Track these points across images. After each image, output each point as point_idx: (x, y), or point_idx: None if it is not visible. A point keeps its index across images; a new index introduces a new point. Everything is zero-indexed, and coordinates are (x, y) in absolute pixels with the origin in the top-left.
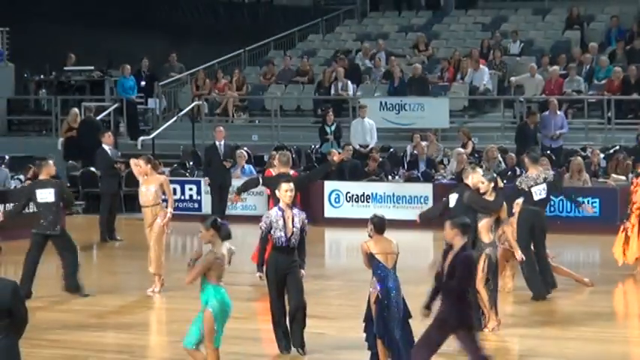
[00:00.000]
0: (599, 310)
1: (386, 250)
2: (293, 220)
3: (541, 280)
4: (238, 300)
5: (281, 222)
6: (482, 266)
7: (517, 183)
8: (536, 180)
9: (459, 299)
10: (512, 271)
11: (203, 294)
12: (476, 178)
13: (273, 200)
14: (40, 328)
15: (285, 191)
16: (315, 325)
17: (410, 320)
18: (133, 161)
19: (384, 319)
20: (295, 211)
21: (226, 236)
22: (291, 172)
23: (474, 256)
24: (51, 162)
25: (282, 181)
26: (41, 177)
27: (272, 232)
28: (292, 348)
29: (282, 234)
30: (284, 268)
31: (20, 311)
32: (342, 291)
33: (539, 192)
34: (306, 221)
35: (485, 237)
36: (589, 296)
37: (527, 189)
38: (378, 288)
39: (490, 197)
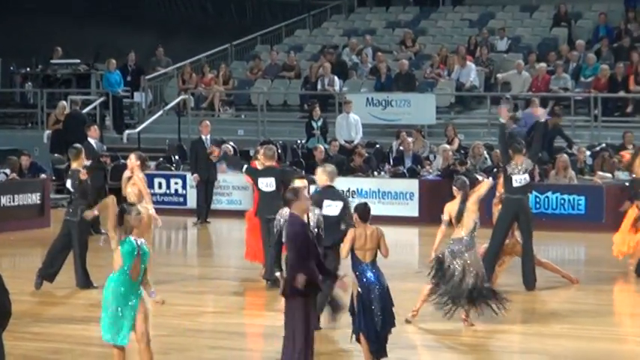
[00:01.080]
0: (584, 307)
1: (365, 246)
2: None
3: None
4: (224, 294)
5: None
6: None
7: (506, 167)
8: (519, 169)
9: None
10: (504, 266)
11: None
12: None
13: (258, 191)
14: (23, 321)
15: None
16: None
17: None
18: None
19: (366, 314)
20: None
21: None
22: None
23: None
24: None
25: (295, 176)
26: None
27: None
28: None
29: None
30: None
31: (4, 304)
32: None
33: (519, 180)
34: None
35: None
36: (573, 293)
37: (509, 175)
38: (358, 284)
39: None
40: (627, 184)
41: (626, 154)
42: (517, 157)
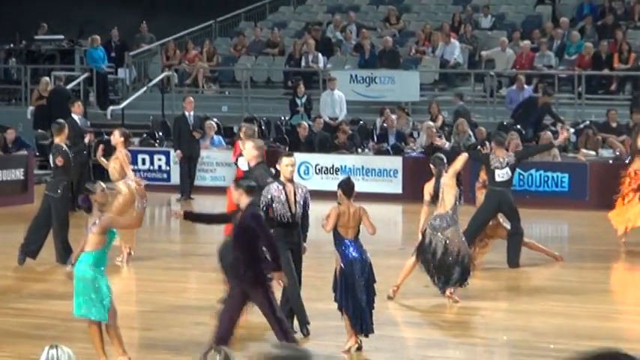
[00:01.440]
0: (567, 285)
1: (348, 223)
2: (295, 195)
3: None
4: (208, 271)
5: (283, 197)
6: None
7: (490, 157)
8: (501, 163)
9: (255, 258)
10: (487, 248)
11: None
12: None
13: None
14: (7, 296)
15: (286, 165)
16: None
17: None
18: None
19: (348, 290)
20: (297, 184)
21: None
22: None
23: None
24: None
25: (283, 156)
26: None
27: (274, 207)
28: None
29: (286, 209)
30: (290, 243)
31: None
32: (310, 262)
33: (501, 175)
34: (308, 195)
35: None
36: (557, 270)
37: (492, 168)
38: (341, 261)
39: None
40: None
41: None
42: (499, 151)
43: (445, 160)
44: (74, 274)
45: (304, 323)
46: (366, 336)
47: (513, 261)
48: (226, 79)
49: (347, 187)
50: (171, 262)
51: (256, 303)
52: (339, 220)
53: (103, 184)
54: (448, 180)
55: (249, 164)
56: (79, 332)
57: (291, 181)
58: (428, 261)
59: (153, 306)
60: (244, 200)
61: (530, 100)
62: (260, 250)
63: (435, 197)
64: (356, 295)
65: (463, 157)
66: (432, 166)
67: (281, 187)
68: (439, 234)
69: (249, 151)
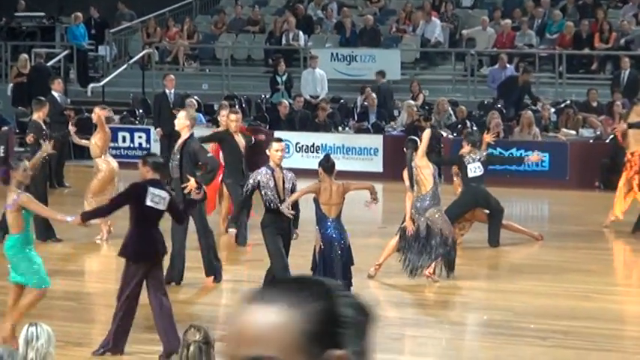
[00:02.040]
0: (547, 264)
1: (331, 201)
2: (284, 181)
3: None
4: (190, 249)
5: (272, 183)
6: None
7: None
8: (473, 158)
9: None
10: (465, 230)
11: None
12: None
13: (224, 156)
14: None
15: (276, 150)
16: (263, 275)
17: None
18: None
19: (326, 271)
20: (285, 171)
21: None
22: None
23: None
24: None
25: (272, 141)
26: None
27: (262, 193)
28: None
29: (275, 195)
30: (280, 228)
31: None
32: (293, 241)
33: (473, 169)
34: (295, 181)
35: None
36: (537, 250)
37: (465, 163)
38: (321, 239)
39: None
40: None
41: (617, 130)
42: (471, 150)
43: (418, 143)
44: (6, 256)
45: None
46: None
47: (494, 240)
48: (207, 56)
49: (327, 164)
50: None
51: (152, 278)
52: (321, 197)
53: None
54: (419, 161)
55: (181, 134)
56: (59, 310)
57: (280, 166)
58: (410, 244)
59: None
60: (150, 177)
61: (510, 79)
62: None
63: (411, 180)
64: (334, 275)
65: (427, 134)
66: (404, 149)
67: (270, 172)
68: (421, 216)
69: (181, 121)
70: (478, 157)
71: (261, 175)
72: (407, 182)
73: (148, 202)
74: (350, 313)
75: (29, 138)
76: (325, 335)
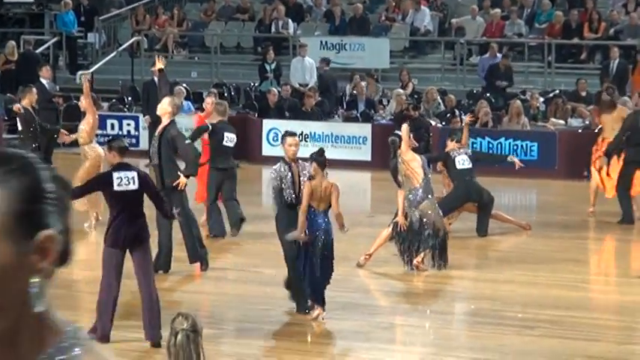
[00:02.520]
0: (535, 254)
1: (320, 196)
2: (299, 175)
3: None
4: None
5: (289, 178)
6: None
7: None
8: (458, 152)
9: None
10: (453, 219)
11: None
12: None
13: (210, 146)
14: None
15: (289, 145)
16: (252, 263)
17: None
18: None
19: (307, 258)
20: (300, 163)
21: None
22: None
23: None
24: None
25: (286, 135)
26: None
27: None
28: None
29: (292, 190)
30: (295, 222)
31: None
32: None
33: (461, 161)
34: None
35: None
36: (525, 239)
37: (452, 156)
38: (307, 228)
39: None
40: None
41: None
42: (456, 146)
43: (398, 141)
44: None
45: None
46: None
47: (482, 230)
48: (196, 44)
49: (321, 159)
50: None
51: (137, 266)
52: (312, 195)
53: (87, 149)
54: (405, 155)
55: (159, 119)
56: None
57: (295, 161)
58: (403, 237)
59: None
60: (117, 162)
61: (492, 67)
62: (141, 207)
63: (395, 176)
64: (313, 267)
65: (405, 129)
66: (390, 147)
67: (287, 167)
68: (414, 209)
69: (163, 106)
70: (463, 151)
71: (282, 171)
72: (399, 178)
73: (116, 187)
74: (53, 188)
75: (17, 107)
76: (32, 214)
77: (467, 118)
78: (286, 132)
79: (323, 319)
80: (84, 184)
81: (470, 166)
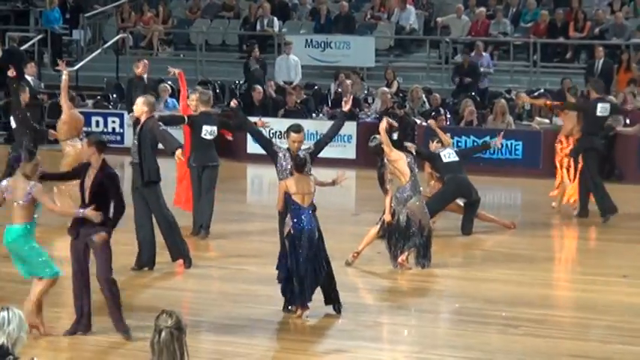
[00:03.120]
0: (519, 253)
1: (303, 190)
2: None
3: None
4: (157, 235)
5: (289, 168)
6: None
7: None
8: (443, 146)
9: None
10: (435, 218)
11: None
12: None
13: (190, 139)
14: None
15: (294, 142)
16: (235, 261)
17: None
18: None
19: (295, 254)
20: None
21: None
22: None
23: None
24: None
25: (290, 130)
26: None
27: (279, 177)
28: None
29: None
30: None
31: None
32: (263, 227)
33: (447, 155)
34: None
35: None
36: (509, 238)
37: (437, 154)
38: (291, 224)
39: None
40: None
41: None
42: (434, 145)
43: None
44: (8, 249)
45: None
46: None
47: (467, 228)
48: (181, 41)
49: (300, 163)
50: (120, 225)
51: (95, 262)
52: (292, 189)
53: (67, 147)
54: (390, 156)
55: (139, 120)
56: (11, 293)
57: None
58: (390, 234)
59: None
60: (96, 158)
61: (457, 67)
62: (109, 209)
63: (383, 184)
64: (298, 260)
65: (382, 129)
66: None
67: (289, 157)
68: (402, 207)
69: (138, 107)
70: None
71: (281, 156)
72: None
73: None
74: None
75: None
76: None
77: (431, 124)
78: (291, 126)
79: (307, 317)
80: (67, 172)
81: (457, 159)
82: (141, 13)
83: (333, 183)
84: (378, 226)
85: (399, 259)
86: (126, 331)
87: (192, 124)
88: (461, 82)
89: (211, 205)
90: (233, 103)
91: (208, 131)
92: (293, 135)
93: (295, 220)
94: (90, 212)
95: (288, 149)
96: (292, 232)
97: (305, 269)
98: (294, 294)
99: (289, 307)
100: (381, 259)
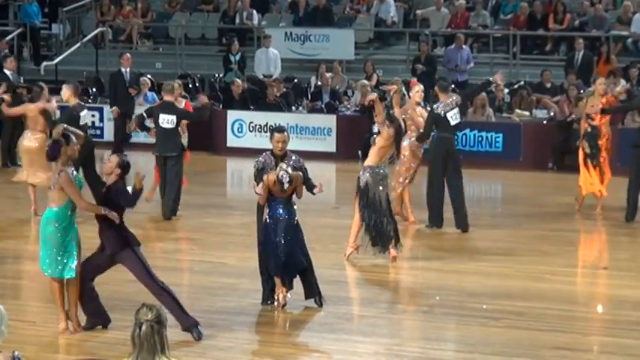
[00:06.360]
0: (500, 245)
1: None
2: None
3: (437, 214)
4: (145, 229)
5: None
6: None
7: (434, 107)
8: (451, 105)
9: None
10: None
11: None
12: None
13: (155, 132)
14: None
15: (277, 142)
16: (216, 254)
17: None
18: None
19: (271, 243)
20: (289, 156)
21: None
22: (183, 102)
23: None
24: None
25: (274, 130)
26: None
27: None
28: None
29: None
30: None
31: None
32: (243, 221)
33: (454, 116)
34: (299, 163)
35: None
36: (490, 231)
37: (443, 114)
38: (267, 214)
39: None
40: None
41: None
42: (443, 96)
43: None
44: (41, 232)
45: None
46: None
47: (462, 222)
48: (160, 35)
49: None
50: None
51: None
52: (276, 185)
53: (26, 140)
54: (381, 128)
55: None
56: (12, 289)
57: (283, 157)
58: (369, 216)
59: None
60: (116, 172)
61: (415, 58)
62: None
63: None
64: (277, 248)
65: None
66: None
67: (273, 159)
68: (380, 186)
69: (65, 93)
70: (455, 102)
71: (265, 162)
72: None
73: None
74: None
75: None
76: None
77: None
78: (274, 127)
79: (285, 297)
80: None
81: (458, 121)
82: (120, 6)
83: (312, 192)
84: (358, 213)
85: (391, 255)
86: (194, 324)
87: (152, 114)
88: (414, 71)
89: (177, 193)
90: (201, 99)
91: (166, 120)
92: (277, 135)
93: (270, 209)
94: (112, 214)
95: (271, 151)
96: (268, 220)
97: (286, 252)
98: (279, 271)
99: (268, 301)
100: (361, 252)
